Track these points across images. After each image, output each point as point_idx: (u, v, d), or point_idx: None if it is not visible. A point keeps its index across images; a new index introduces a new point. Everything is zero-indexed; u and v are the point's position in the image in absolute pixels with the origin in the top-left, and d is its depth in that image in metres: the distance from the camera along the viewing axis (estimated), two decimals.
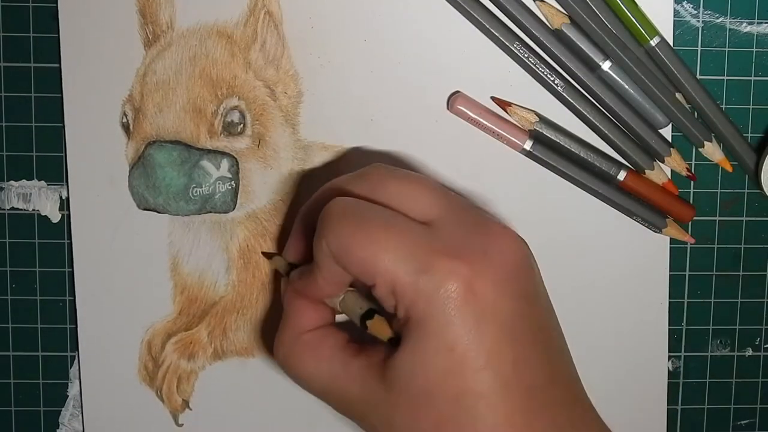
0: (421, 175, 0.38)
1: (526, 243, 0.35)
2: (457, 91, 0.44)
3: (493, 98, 0.44)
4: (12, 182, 0.44)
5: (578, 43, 0.43)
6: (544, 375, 0.34)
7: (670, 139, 0.44)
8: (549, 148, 0.43)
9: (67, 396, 0.46)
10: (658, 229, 0.44)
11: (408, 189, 0.36)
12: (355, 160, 0.44)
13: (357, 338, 0.37)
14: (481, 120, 0.43)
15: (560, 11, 0.43)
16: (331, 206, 0.35)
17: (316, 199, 0.39)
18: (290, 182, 0.44)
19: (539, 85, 0.43)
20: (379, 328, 0.35)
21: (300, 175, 0.44)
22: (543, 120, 0.43)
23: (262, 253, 0.44)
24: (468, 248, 0.33)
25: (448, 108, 0.44)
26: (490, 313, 0.33)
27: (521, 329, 0.33)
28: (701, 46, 0.44)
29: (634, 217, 0.44)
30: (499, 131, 0.43)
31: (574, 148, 0.44)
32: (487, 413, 0.32)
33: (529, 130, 0.43)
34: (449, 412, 0.32)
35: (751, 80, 0.45)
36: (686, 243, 0.45)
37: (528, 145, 0.43)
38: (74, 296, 0.45)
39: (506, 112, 0.43)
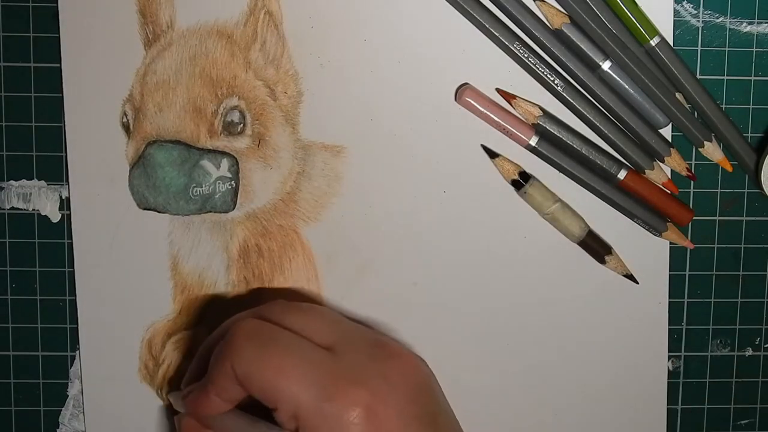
0: (319, 306, 0.39)
1: (425, 363, 0.37)
2: (466, 83, 0.44)
3: (498, 90, 0.44)
4: (12, 182, 0.44)
5: (578, 43, 0.43)
6: None
7: (670, 139, 0.44)
8: (554, 144, 0.43)
9: (67, 396, 0.46)
10: (658, 232, 0.44)
11: (309, 318, 0.37)
12: (355, 161, 0.44)
13: None
14: (488, 113, 0.43)
15: (560, 11, 0.43)
16: (238, 327, 0.36)
17: (218, 335, 0.39)
18: (290, 182, 0.44)
19: (539, 85, 0.43)
20: None
21: (300, 175, 0.44)
22: (547, 114, 0.43)
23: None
24: (369, 374, 0.35)
25: (455, 100, 0.44)
26: None
27: None
28: (701, 46, 0.44)
29: (635, 220, 0.44)
30: (506, 125, 0.43)
31: (577, 144, 0.44)
32: None
33: (534, 125, 0.43)
34: None
35: (751, 80, 0.45)
36: None
37: (534, 141, 0.43)
38: (74, 296, 0.45)
39: (510, 104, 0.43)
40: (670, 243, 0.45)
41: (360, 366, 0.35)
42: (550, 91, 0.43)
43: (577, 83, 0.43)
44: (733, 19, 0.44)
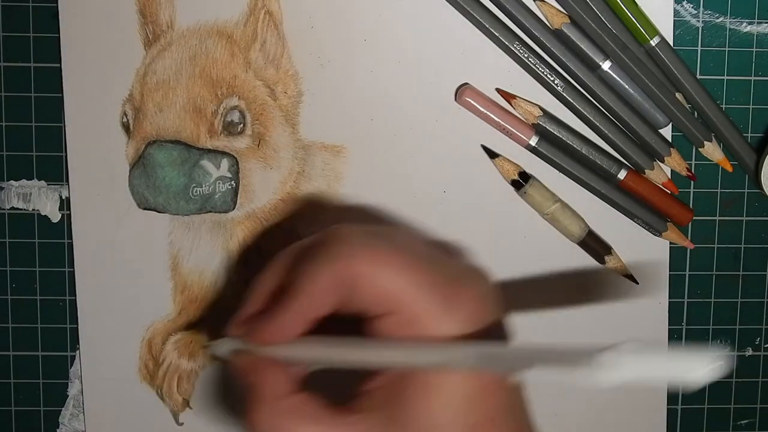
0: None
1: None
2: (466, 83, 0.44)
3: (498, 90, 0.44)
4: (12, 182, 0.44)
5: (578, 43, 0.43)
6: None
7: (670, 139, 0.44)
8: (554, 144, 0.43)
9: (67, 396, 0.46)
10: (658, 232, 0.44)
11: (404, 234, 0.36)
12: (355, 161, 0.44)
13: (331, 401, 0.34)
14: (488, 113, 0.43)
15: (560, 11, 0.43)
16: (343, 230, 0.33)
17: (283, 263, 0.36)
18: (290, 182, 0.44)
19: (539, 85, 0.43)
20: None
21: (300, 175, 0.44)
22: (546, 114, 0.43)
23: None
24: (468, 281, 0.33)
25: (455, 99, 0.44)
26: None
27: None
28: (701, 46, 0.44)
29: (635, 220, 0.44)
30: (506, 125, 0.43)
31: (577, 144, 0.44)
32: None
33: (534, 125, 0.43)
34: None
35: (751, 80, 0.45)
36: None
37: (534, 141, 0.43)
38: (74, 296, 0.45)
39: (510, 104, 0.43)
40: (670, 243, 0.45)
41: (460, 277, 0.33)
42: (550, 91, 0.43)
43: (577, 83, 0.43)
44: (733, 19, 0.44)
